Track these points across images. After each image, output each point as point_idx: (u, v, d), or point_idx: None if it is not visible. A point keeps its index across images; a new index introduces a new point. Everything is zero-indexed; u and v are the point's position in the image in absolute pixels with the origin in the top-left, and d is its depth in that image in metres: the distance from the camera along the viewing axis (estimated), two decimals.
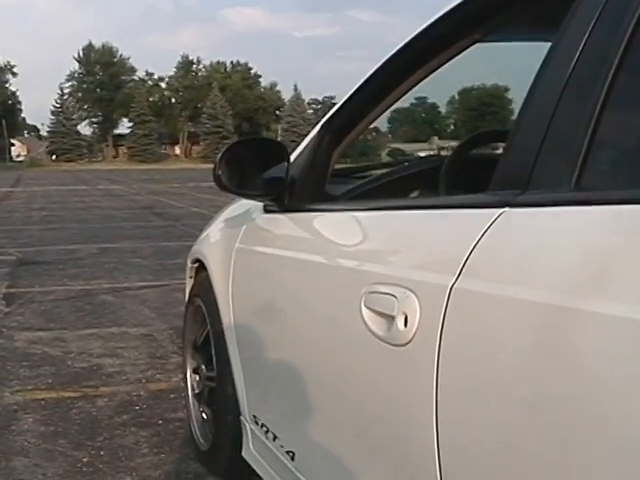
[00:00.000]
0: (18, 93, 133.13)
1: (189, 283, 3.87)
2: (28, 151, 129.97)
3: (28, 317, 6.76)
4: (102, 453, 3.68)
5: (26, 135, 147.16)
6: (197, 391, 3.65)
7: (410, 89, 2.43)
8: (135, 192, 31.06)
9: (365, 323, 1.79)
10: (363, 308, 1.81)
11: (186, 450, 3.71)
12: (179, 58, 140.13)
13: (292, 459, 2.47)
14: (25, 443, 3.80)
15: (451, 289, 1.50)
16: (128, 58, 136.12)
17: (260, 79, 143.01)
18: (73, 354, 5.47)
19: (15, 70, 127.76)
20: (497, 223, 1.47)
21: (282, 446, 2.58)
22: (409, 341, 1.60)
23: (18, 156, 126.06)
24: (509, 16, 2.01)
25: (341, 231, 2.36)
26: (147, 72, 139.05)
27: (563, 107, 1.45)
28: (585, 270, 1.23)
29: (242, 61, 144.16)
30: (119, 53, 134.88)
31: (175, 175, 55.92)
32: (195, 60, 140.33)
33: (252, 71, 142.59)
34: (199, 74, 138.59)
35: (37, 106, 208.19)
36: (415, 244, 1.87)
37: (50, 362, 5.25)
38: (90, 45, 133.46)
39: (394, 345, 1.66)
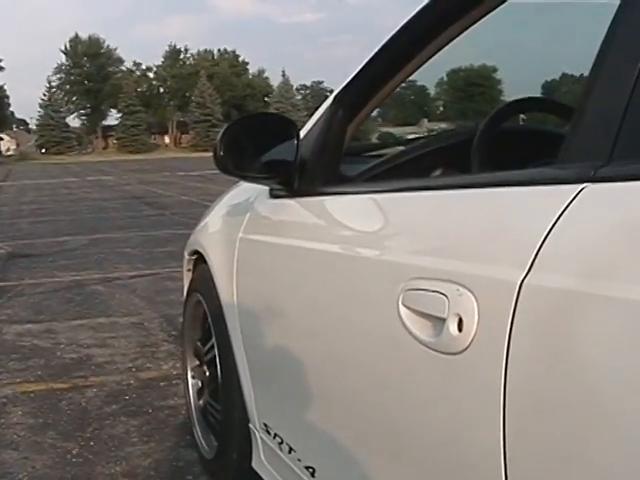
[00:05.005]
0: (6, 87, 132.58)
1: (187, 277, 3.58)
2: (17, 145, 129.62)
3: (18, 310, 6.73)
4: (92, 444, 3.65)
5: (15, 129, 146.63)
6: (199, 393, 3.40)
7: (434, 54, 2.12)
8: (125, 182, 30.96)
9: (404, 325, 1.52)
10: (401, 307, 1.54)
11: (176, 438, 3.68)
12: (166, 47, 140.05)
13: (312, 475, 2.19)
14: (14, 436, 3.76)
15: (520, 286, 1.22)
16: (115, 49, 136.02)
17: (248, 66, 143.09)
18: (63, 345, 5.43)
19: (2, 64, 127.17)
20: (576, 202, 1.20)
21: (300, 460, 2.30)
22: (465, 349, 1.34)
23: (7, 150, 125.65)
24: None
25: (363, 217, 2.05)
26: (135, 62, 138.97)
27: None
28: None
29: (229, 49, 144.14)
30: (106, 44, 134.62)
31: (165, 164, 55.74)
32: (182, 49, 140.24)
33: (240, 58, 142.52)
34: (187, 63, 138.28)
35: (25, 100, 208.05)
36: (465, 230, 1.52)
37: (39, 354, 5.22)
38: (77, 37, 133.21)
39: (445, 353, 1.40)
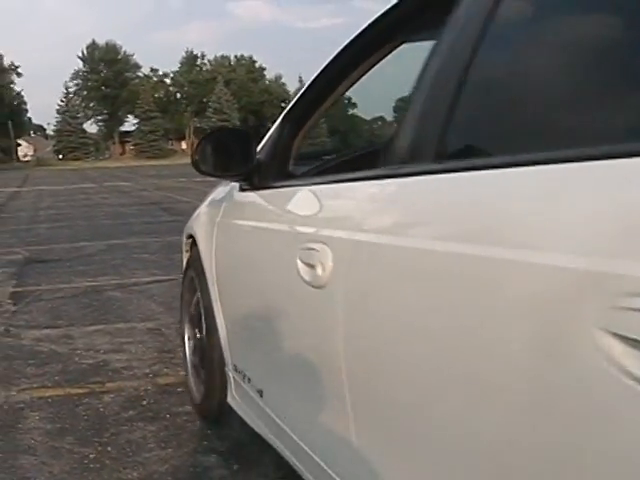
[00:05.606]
0: (23, 93, 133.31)
1: (185, 257, 4.30)
2: (35, 151, 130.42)
3: (35, 315, 6.73)
4: (109, 449, 3.65)
5: (32, 135, 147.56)
6: (192, 351, 4.13)
7: (351, 86, 2.86)
8: (142, 188, 31.01)
9: (299, 273, 2.28)
10: (298, 262, 2.30)
11: (194, 444, 3.69)
12: (183, 53, 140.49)
13: (261, 396, 2.99)
14: (32, 441, 3.77)
15: (353, 241, 1.99)
16: (132, 55, 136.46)
17: (265, 72, 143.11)
18: (80, 351, 5.44)
19: (20, 70, 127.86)
20: (385, 191, 1.98)
21: (253, 386, 3.10)
22: (325, 284, 2.09)
23: (25, 156, 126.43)
24: (429, 18, 2.17)
25: (295, 202, 2.74)
26: (152, 68, 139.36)
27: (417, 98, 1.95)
28: (438, 219, 1.68)
29: (246, 54, 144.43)
30: (123, 50, 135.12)
31: (182, 170, 55.65)
32: (199, 55, 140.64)
33: (257, 64, 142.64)
34: (204, 69, 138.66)
35: (43, 106, 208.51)
36: (336, 209, 2.40)
37: (57, 359, 5.23)
38: (94, 43, 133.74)
39: (315, 287, 2.15)
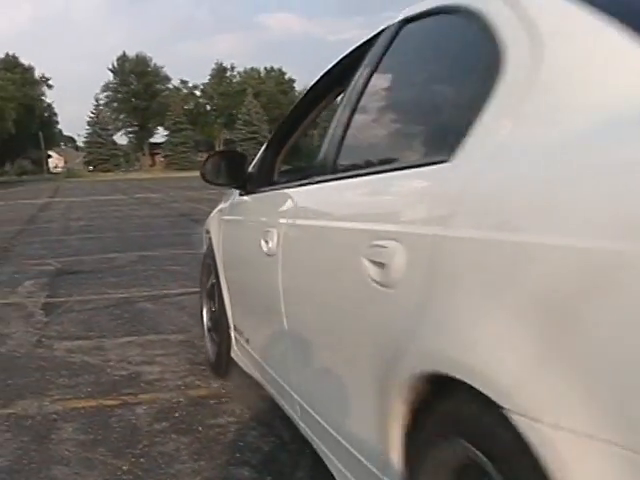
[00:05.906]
0: (54, 105, 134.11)
1: (205, 247, 5.41)
2: (65, 162, 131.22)
3: (67, 326, 6.78)
4: (142, 460, 3.66)
5: (63, 147, 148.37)
6: (209, 322, 5.25)
7: (313, 121, 4.09)
8: (172, 200, 31.00)
9: (261, 247, 3.32)
10: (262, 241, 3.32)
11: (226, 457, 3.68)
12: (213, 65, 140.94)
13: (247, 342, 4.13)
14: (65, 452, 3.78)
15: (286, 224, 3.10)
16: (162, 67, 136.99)
17: (294, 84, 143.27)
18: (112, 362, 5.47)
19: (50, 83, 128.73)
20: (307, 192, 3.05)
21: (244, 336, 4.22)
22: (274, 253, 3.14)
23: (55, 167, 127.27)
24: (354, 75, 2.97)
25: (266, 201, 3.87)
26: (181, 80, 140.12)
27: (329, 127, 2.97)
28: (329, 209, 2.80)
29: (276, 66, 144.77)
30: (153, 62, 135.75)
31: None
32: (229, 67, 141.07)
33: (286, 76, 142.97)
34: (233, 81, 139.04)
35: (73, 117, 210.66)
36: (281, 204, 3.35)
37: (89, 371, 5.26)
38: (124, 55, 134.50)
39: (269, 256, 3.20)
